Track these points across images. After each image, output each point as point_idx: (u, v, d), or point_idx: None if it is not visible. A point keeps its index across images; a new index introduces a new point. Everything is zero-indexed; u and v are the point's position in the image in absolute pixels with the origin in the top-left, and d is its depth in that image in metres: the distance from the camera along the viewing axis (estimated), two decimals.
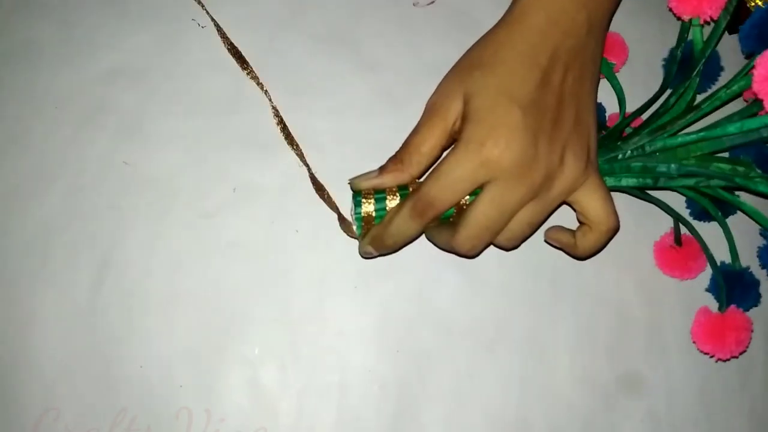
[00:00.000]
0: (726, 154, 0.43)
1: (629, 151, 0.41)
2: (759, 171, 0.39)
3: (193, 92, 0.44)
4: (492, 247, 0.44)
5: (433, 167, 0.37)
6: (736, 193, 0.42)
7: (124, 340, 0.41)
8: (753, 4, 0.45)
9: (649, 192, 0.43)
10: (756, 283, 0.43)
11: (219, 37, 0.44)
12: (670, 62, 0.44)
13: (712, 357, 0.42)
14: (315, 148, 0.42)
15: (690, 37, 0.42)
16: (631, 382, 0.43)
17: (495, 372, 0.43)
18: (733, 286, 0.42)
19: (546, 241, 0.42)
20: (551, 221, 0.41)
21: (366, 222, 0.38)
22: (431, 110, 0.37)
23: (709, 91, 0.45)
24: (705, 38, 0.41)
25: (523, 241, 0.39)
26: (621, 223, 0.39)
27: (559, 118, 0.36)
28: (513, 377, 0.43)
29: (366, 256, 0.40)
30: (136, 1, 0.45)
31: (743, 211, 0.43)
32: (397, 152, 0.38)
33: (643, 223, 0.45)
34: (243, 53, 0.44)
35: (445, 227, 0.38)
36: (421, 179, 0.38)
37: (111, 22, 0.45)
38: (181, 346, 0.41)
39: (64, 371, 0.41)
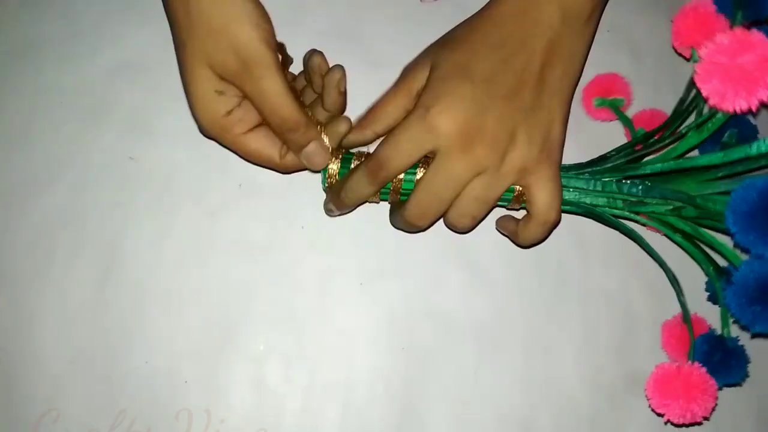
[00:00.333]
0: None
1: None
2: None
3: None
4: (494, 245, 0.44)
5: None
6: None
7: (128, 336, 0.41)
8: None
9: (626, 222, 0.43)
10: (740, 353, 0.40)
11: None
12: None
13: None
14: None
15: None
16: (637, 381, 0.43)
17: (500, 370, 0.43)
18: (714, 352, 0.40)
19: (497, 229, 0.43)
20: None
21: (330, 177, 0.40)
22: (401, 76, 0.40)
23: None
24: None
25: (475, 221, 0.39)
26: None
27: (514, 98, 0.37)
28: (518, 376, 0.43)
29: (328, 213, 0.41)
30: None
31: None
32: (364, 112, 0.40)
33: None
34: None
35: (400, 203, 0.39)
36: None
37: (116, 18, 0.45)
38: (186, 342, 0.41)
39: (67, 369, 0.41)
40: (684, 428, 0.43)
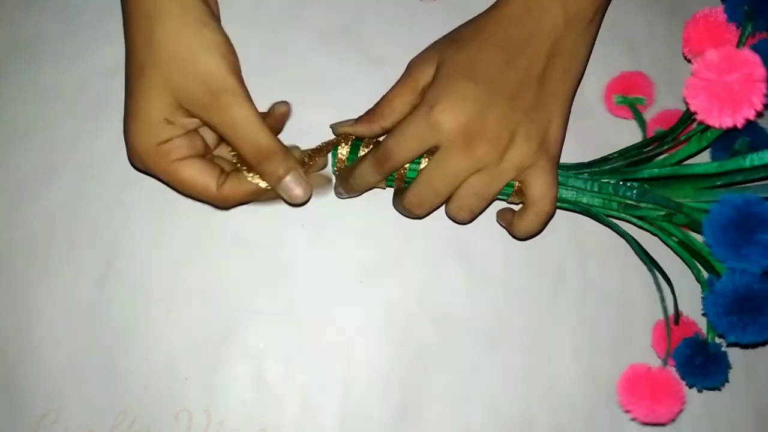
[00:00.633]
0: None
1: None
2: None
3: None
4: (494, 242, 0.44)
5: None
6: None
7: (128, 334, 0.41)
8: None
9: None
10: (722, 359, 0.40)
11: None
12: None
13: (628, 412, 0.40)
14: (318, 142, 0.42)
15: None
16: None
17: (498, 367, 0.43)
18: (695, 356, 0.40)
19: (497, 220, 0.43)
20: None
21: (339, 162, 0.41)
22: (407, 71, 0.40)
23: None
24: None
25: (473, 214, 0.40)
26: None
27: (517, 98, 0.37)
28: (516, 373, 0.43)
29: (338, 195, 0.43)
30: None
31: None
32: (373, 106, 0.41)
33: None
34: (247, 48, 0.44)
35: (404, 189, 0.40)
36: None
37: (115, 16, 0.45)
38: (186, 340, 0.42)
39: (67, 368, 0.41)
40: (687, 422, 0.43)
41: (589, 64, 0.41)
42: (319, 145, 0.41)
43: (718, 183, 0.39)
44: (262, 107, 0.42)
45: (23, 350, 0.41)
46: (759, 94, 0.34)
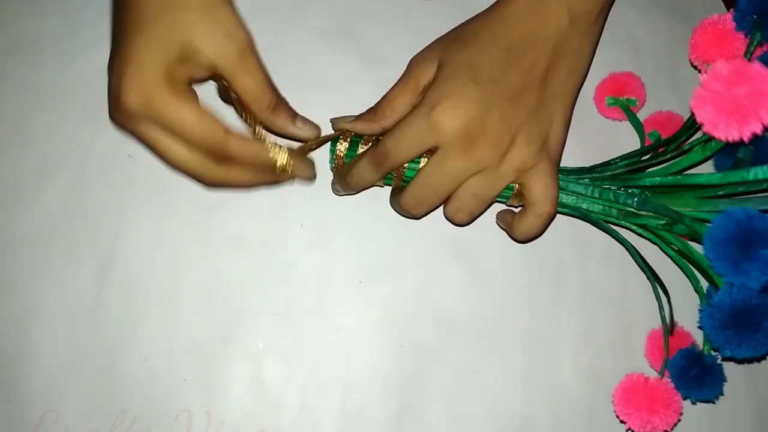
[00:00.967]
0: None
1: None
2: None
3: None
4: (494, 242, 0.44)
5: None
6: None
7: (127, 334, 0.41)
8: None
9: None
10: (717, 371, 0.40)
11: None
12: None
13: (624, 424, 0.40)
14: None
15: None
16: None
17: (498, 368, 0.43)
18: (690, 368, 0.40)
19: (496, 222, 0.43)
20: None
21: (337, 158, 0.41)
22: (408, 70, 0.40)
23: None
24: None
25: (472, 216, 0.39)
26: None
27: (519, 99, 0.37)
28: (516, 373, 0.43)
29: (335, 192, 0.42)
30: None
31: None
32: (374, 105, 0.40)
33: None
34: None
35: (402, 188, 0.40)
36: None
37: None
38: (185, 340, 0.41)
39: (66, 367, 0.41)
40: (687, 423, 0.43)
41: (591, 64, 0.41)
42: (320, 138, 0.41)
43: (720, 193, 0.38)
44: None
45: (22, 350, 0.41)
46: (767, 109, 0.33)
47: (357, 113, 0.41)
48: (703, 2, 0.49)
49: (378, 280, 0.43)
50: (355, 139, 0.41)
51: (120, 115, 0.34)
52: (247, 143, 0.35)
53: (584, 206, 0.41)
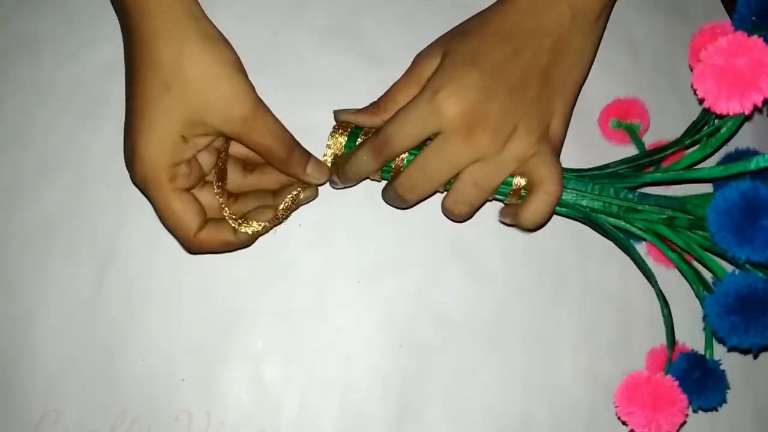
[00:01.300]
0: None
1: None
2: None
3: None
4: (493, 242, 0.44)
5: None
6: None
7: (126, 334, 0.41)
8: None
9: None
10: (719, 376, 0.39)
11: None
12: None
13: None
14: (318, 141, 0.42)
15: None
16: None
17: (498, 367, 0.43)
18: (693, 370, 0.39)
19: (500, 220, 0.42)
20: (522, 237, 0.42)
21: (336, 150, 0.41)
22: (412, 65, 0.40)
23: None
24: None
25: (472, 208, 0.39)
26: None
27: (521, 90, 0.37)
28: (516, 373, 0.43)
29: (332, 185, 0.42)
30: None
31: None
32: (377, 99, 0.41)
33: None
34: (246, 47, 0.44)
35: (395, 178, 0.40)
36: None
37: (113, 15, 0.44)
38: (184, 339, 0.41)
39: (66, 367, 0.41)
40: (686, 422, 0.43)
41: None
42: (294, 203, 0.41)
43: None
44: None
45: (22, 350, 0.41)
46: (767, 79, 0.33)
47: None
48: (703, 2, 0.49)
49: (377, 280, 0.43)
50: (355, 131, 0.40)
51: (131, 176, 0.37)
52: (213, 237, 0.38)
53: (584, 203, 0.41)
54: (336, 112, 0.42)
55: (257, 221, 0.39)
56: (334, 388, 0.42)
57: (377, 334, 0.43)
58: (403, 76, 0.40)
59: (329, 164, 0.41)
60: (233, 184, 0.40)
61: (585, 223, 0.42)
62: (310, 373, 0.42)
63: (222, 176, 0.39)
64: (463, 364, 0.43)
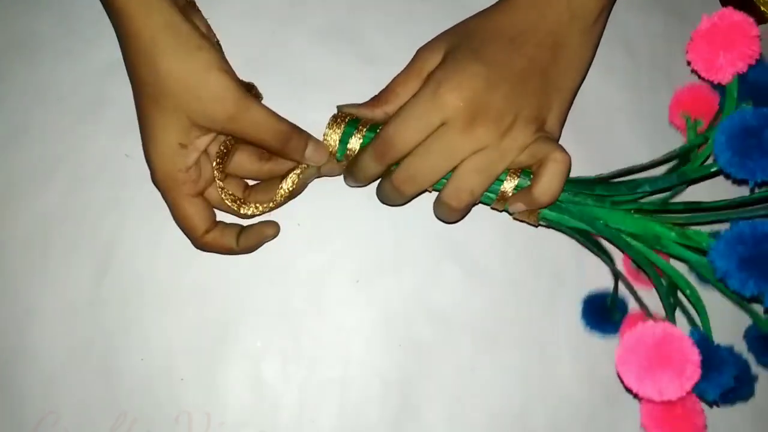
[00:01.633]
0: None
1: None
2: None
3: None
4: (492, 242, 0.44)
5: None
6: None
7: (124, 334, 0.41)
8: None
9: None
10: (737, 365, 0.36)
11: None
12: None
13: None
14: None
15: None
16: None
17: (496, 366, 0.43)
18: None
19: (514, 217, 0.41)
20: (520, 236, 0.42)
21: (329, 147, 0.40)
22: (414, 58, 0.41)
23: None
24: None
25: (473, 197, 0.38)
26: None
27: (522, 84, 0.38)
28: (514, 372, 0.43)
29: (348, 185, 0.42)
30: None
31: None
32: (378, 92, 0.41)
33: None
34: (245, 46, 0.44)
35: (389, 173, 0.40)
36: None
37: None
38: (183, 339, 0.41)
39: (64, 368, 0.41)
40: None
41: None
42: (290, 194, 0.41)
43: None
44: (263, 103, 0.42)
45: (21, 351, 0.41)
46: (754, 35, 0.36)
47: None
48: (701, 3, 0.49)
49: (376, 279, 0.43)
50: (348, 130, 0.40)
51: (152, 179, 0.39)
52: (218, 239, 0.40)
53: (576, 199, 0.40)
54: (339, 108, 0.41)
55: (256, 203, 0.40)
56: (333, 387, 0.42)
57: (376, 334, 0.43)
58: (404, 70, 0.40)
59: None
60: (252, 172, 0.42)
61: (573, 235, 0.42)
62: (310, 372, 0.42)
63: (223, 158, 0.40)
64: (461, 363, 0.43)
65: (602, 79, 0.47)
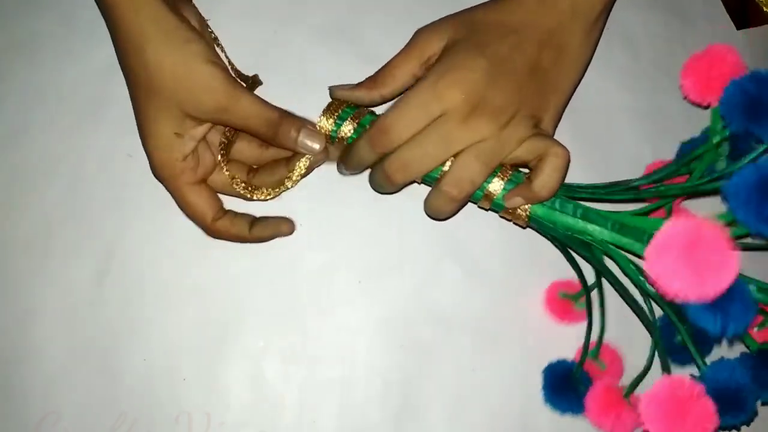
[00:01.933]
0: None
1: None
2: None
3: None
4: (493, 242, 0.44)
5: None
6: None
7: (126, 333, 0.41)
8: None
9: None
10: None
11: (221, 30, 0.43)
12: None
13: None
14: None
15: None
16: (634, 377, 0.43)
17: (498, 366, 0.43)
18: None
19: (500, 214, 0.41)
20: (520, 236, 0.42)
21: (324, 131, 0.40)
22: (415, 40, 0.40)
23: None
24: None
25: (474, 185, 0.38)
26: None
27: (521, 81, 0.38)
28: (516, 372, 0.43)
29: (341, 173, 0.42)
30: None
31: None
32: (374, 73, 0.40)
33: None
34: (245, 46, 0.44)
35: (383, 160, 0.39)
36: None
37: None
38: (184, 339, 0.41)
39: (66, 367, 0.41)
40: None
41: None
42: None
43: None
44: None
45: (21, 351, 0.41)
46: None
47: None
48: (703, 2, 0.49)
49: (378, 279, 0.43)
50: (344, 115, 0.40)
51: (152, 171, 0.40)
52: (229, 227, 0.40)
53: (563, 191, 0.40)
54: (331, 89, 0.41)
55: (266, 188, 0.41)
56: (333, 387, 0.42)
57: (378, 334, 0.43)
58: (401, 51, 0.40)
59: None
60: (254, 158, 0.42)
61: (557, 237, 0.41)
62: (311, 372, 0.42)
63: (226, 148, 0.40)
64: (463, 364, 0.43)
65: (603, 79, 0.47)
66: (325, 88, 0.44)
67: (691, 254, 0.31)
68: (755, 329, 0.40)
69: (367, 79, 0.40)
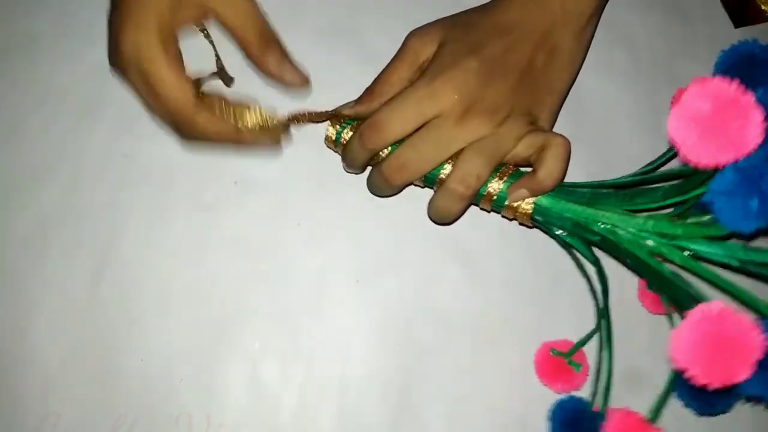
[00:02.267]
0: None
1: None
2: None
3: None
4: (492, 242, 0.44)
5: None
6: None
7: (123, 334, 0.41)
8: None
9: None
10: None
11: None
12: None
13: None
14: (316, 140, 0.42)
15: None
16: (633, 377, 0.43)
17: (496, 367, 0.43)
18: None
19: (502, 214, 0.41)
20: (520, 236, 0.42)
21: (327, 140, 0.41)
22: (407, 46, 0.40)
23: None
24: None
25: (480, 181, 0.38)
26: None
27: (516, 81, 0.38)
28: (514, 372, 0.43)
29: (345, 170, 0.42)
30: None
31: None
32: (370, 85, 0.40)
33: None
34: None
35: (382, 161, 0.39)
36: None
37: None
38: (181, 340, 0.41)
39: (63, 369, 0.40)
40: (685, 421, 0.43)
41: (589, 64, 0.42)
42: (311, 115, 0.41)
43: None
44: (261, 103, 0.42)
45: (19, 352, 0.41)
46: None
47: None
48: (702, 2, 0.49)
49: (375, 279, 0.43)
50: (343, 128, 0.40)
51: (116, 59, 0.38)
52: (213, 121, 0.38)
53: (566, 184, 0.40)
54: (337, 110, 0.41)
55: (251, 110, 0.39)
56: (332, 388, 0.42)
57: (376, 334, 0.43)
58: (395, 57, 0.40)
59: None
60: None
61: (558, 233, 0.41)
62: (309, 373, 0.42)
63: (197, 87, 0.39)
64: (461, 364, 0.43)
65: (602, 79, 0.47)
66: (324, 89, 0.44)
67: (714, 117, 0.30)
68: None
69: (365, 92, 0.40)
